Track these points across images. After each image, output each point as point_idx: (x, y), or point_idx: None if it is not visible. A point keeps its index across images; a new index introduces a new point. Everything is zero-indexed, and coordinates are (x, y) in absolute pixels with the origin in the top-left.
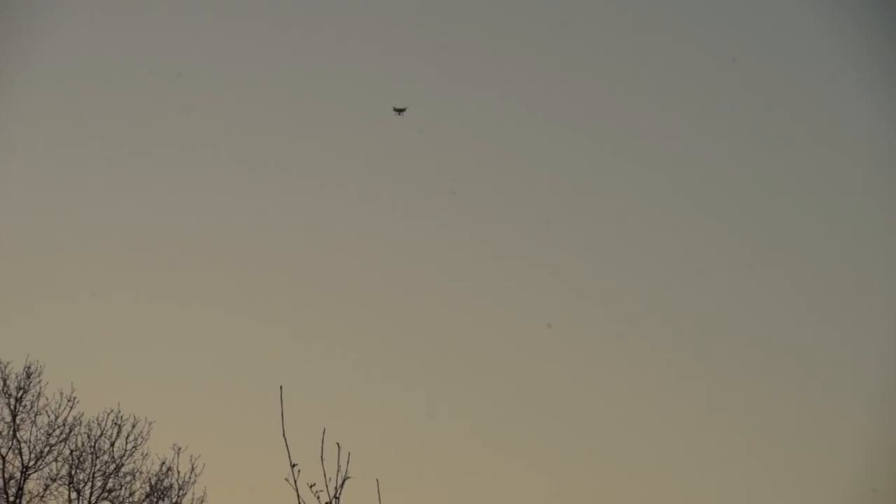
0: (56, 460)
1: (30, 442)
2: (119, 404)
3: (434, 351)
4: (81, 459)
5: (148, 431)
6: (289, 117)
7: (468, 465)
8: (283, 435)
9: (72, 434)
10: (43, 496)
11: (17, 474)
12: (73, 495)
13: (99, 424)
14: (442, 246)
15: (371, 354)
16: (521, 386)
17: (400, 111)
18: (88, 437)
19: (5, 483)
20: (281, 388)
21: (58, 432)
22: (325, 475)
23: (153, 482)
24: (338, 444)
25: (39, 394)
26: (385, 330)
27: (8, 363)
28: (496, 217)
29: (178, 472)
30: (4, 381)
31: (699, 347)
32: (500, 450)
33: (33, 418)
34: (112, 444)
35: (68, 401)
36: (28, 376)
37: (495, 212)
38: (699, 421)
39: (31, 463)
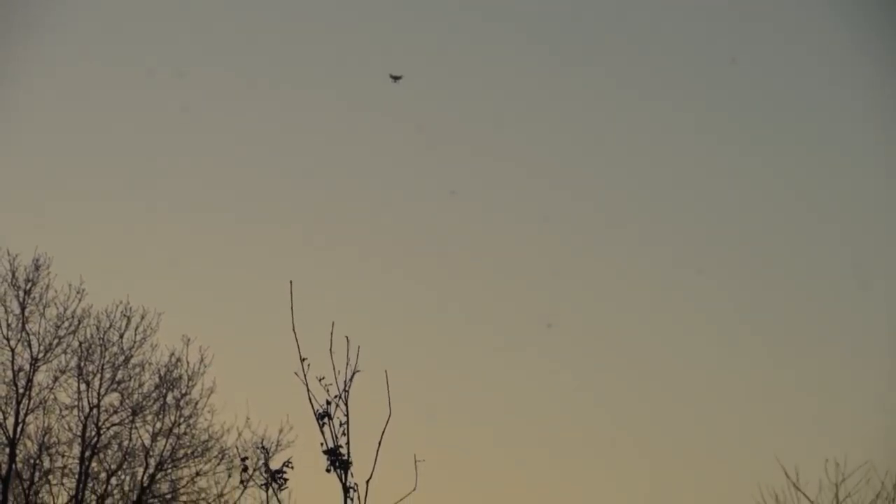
0: (65, 352)
1: (39, 334)
2: (128, 296)
3: (446, 248)
4: (90, 351)
5: (157, 323)
6: (289, 117)
7: (478, 358)
8: (293, 329)
9: (81, 326)
10: (52, 388)
11: (27, 366)
12: (83, 387)
13: (108, 316)
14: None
15: (382, 250)
16: (537, 287)
17: (396, 78)
18: (97, 329)
19: (14, 375)
20: (291, 282)
21: (67, 324)
22: (334, 369)
23: (162, 373)
24: (347, 337)
25: (48, 286)
26: (397, 226)
27: (16, 255)
28: None
29: (188, 363)
30: (13, 273)
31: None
32: (513, 346)
33: (42, 311)
34: (121, 336)
35: (77, 293)
36: (37, 268)
37: None
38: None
39: (41, 355)
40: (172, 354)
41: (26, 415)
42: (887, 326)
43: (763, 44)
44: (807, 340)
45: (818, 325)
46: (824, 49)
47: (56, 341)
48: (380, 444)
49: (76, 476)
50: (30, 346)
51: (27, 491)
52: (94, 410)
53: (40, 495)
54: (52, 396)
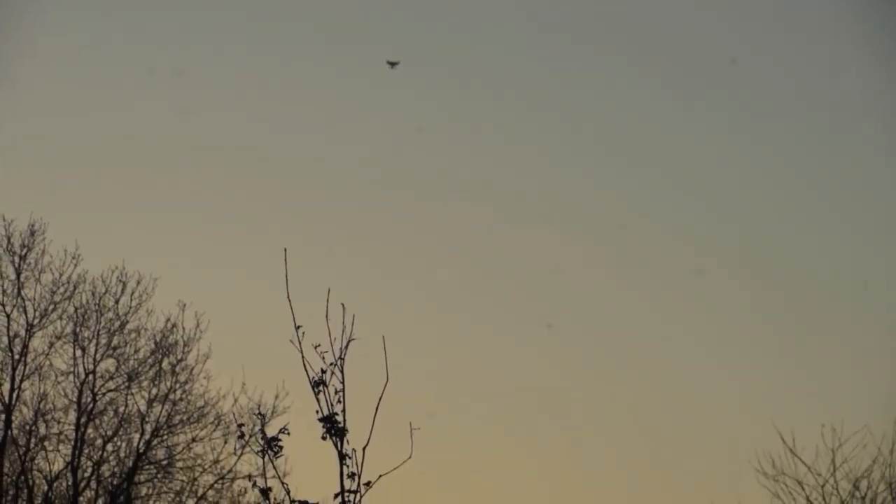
0: (60, 318)
1: (34, 300)
2: (123, 261)
3: (434, 208)
4: (86, 317)
5: (152, 288)
6: (292, 115)
7: (471, 321)
8: (288, 297)
9: (76, 292)
10: (48, 354)
11: (22, 332)
12: (78, 353)
13: (103, 282)
14: None
15: (377, 220)
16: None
17: (393, 64)
18: (93, 294)
19: (10, 341)
20: (285, 250)
21: (62, 290)
22: (330, 336)
23: (158, 339)
24: (342, 304)
25: (43, 252)
26: (389, 194)
27: (12, 221)
28: None
29: (183, 328)
30: (9, 239)
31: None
32: (512, 314)
33: (37, 276)
34: (116, 302)
35: (72, 258)
36: (32, 234)
37: None
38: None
39: (36, 321)
40: (168, 320)
41: (22, 381)
42: (886, 293)
43: (763, 43)
44: (804, 307)
45: (816, 292)
46: (824, 48)
47: (51, 307)
48: (377, 411)
49: (72, 442)
50: (25, 312)
51: (23, 457)
52: (90, 376)
53: (36, 462)
54: (47, 362)
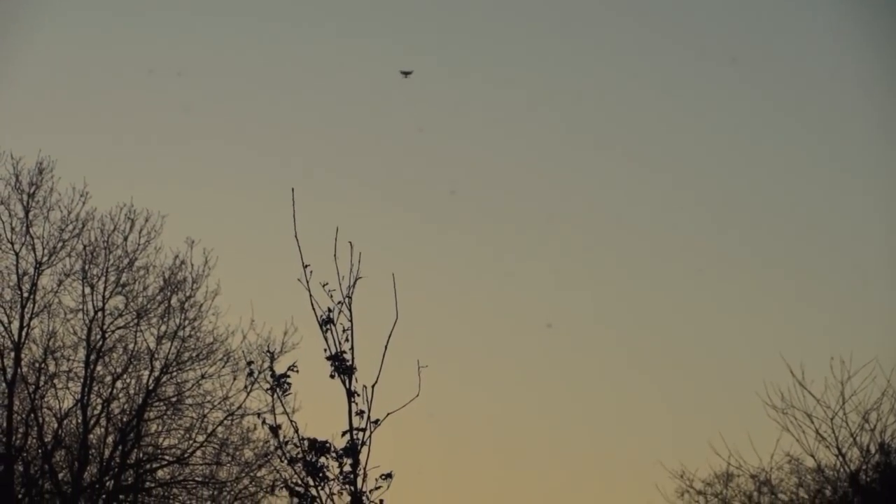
0: (69, 256)
1: (43, 238)
2: (132, 198)
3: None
4: (94, 254)
5: (161, 225)
6: (293, 114)
7: (480, 258)
8: (296, 236)
9: (85, 229)
10: (57, 292)
11: (31, 270)
12: (87, 290)
13: (112, 219)
14: None
15: (382, 158)
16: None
17: (406, 74)
18: (101, 232)
19: (19, 279)
20: (293, 190)
21: (71, 228)
22: (338, 274)
23: (167, 276)
24: (350, 243)
25: (52, 189)
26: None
27: (20, 159)
28: None
29: (192, 265)
30: (17, 177)
31: None
32: (512, 246)
33: (46, 214)
34: (125, 239)
35: (81, 196)
36: (40, 172)
37: None
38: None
39: (45, 259)
40: (177, 257)
41: (31, 319)
42: (890, 225)
43: (763, 43)
44: (813, 239)
45: (825, 224)
46: (824, 48)
47: (60, 245)
48: (385, 349)
49: (81, 380)
50: (34, 249)
51: (32, 395)
52: (99, 314)
53: (46, 399)
54: (56, 300)
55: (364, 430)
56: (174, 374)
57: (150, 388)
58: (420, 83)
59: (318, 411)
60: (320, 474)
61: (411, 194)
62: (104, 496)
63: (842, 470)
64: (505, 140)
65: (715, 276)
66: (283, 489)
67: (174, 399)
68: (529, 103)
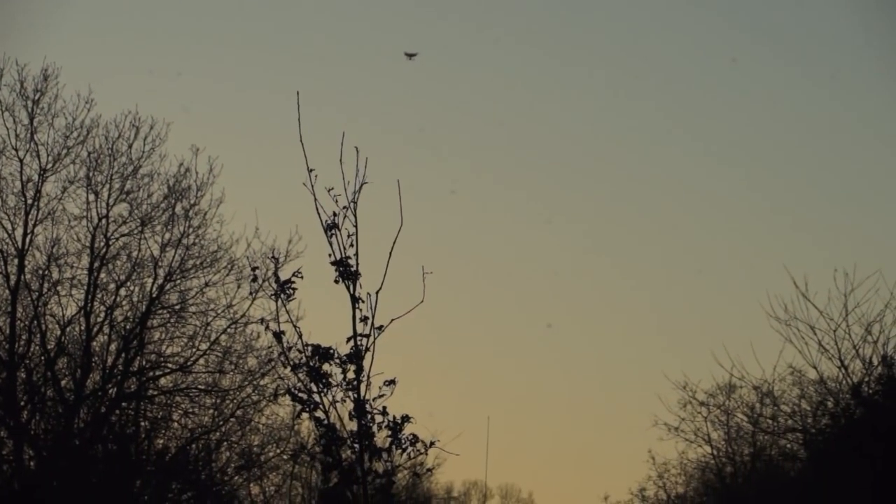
0: (74, 163)
1: (47, 144)
2: (136, 106)
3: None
4: (99, 162)
5: (166, 133)
6: (298, 21)
7: (482, 167)
8: (301, 140)
9: (89, 136)
10: (61, 199)
11: (35, 177)
12: (91, 197)
13: (116, 126)
14: None
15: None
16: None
17: (411, 56)
18: (106, 139)
19: (23, 186)
20: (298, 93)
21: (75, 135)
22: (343, 179)
23: (171, 184)
24: (356, 147)
25: (56, 96)
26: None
27: (25, 65)
28: None
29: (196, 173)
30: (22, 83)
31: None
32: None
33: (51, 121)
34: (129, 146)
35: (86, 103)
36: (45, 79)
37: None
38: None
39: (49, 165)
40: (181, 165)
41: (35, 225)
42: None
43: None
44: (817, 150)
45: (828, 135)
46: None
47: (65, 152)
48: (390, 255)
49: (85, 287)
50: (38, 156)
51: (36, 302)
52: (103, 221)
53: (49, 306)
54: (60, 207)
55: (368, 336)
56: (178, 281)
57: (154, 295)
58: None
59: (322, 321)
60: (323, 381)
61: (418, 106)
62: (107, 403)
63: (844, 382)
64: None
65: (718, 188)
66: (286, 396)
67: (178, 307)
68: (529, 103)
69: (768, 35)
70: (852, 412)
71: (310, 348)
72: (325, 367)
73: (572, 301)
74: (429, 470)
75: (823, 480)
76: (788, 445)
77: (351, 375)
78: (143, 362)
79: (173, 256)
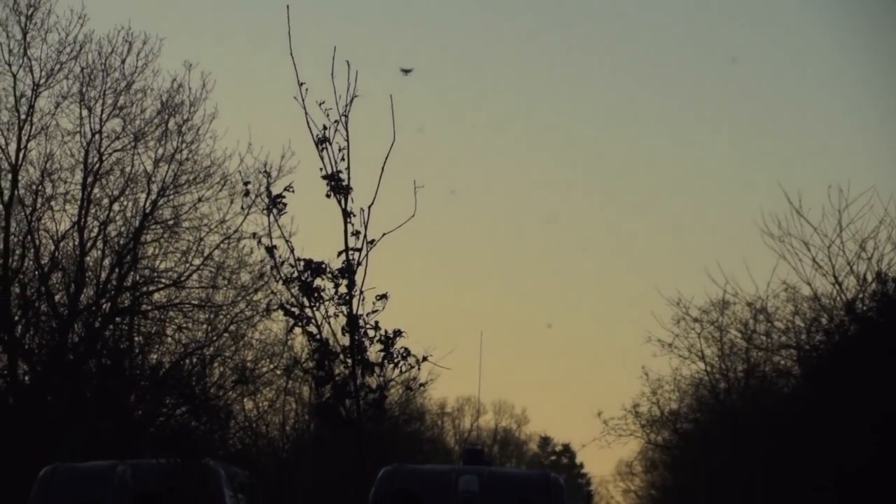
0: (67, 78)
1: (40, 60)
2: (129, 21)
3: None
4: (92, 77)
5: (159, 48)
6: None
7: (481, 82)
8: (291, 54)
9: (82, 52)
10: (54, 114)
11: (29, 92)
12: (84, 112)
13: (110, 42)
14: None
15: None
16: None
17: (406, 72)
18: (99, 54)
19: (16, 101)
20: (287, 6)
21: (68, 50)
22: (334, 93)
23: (164, 99)
24: (347, 62)
25: (50, 11)
26: None
27: None
28: None
29: (190, 88)
30: None
31: None
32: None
33: (44, 36)
34: (123, 62)
35: (79, 18)
36: None
37: None
38: None
39: (42, 81)
40: (174, 80)
41: (28, 141)
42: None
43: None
44: (811, 67)
45: (823, 53)
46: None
47: (58, 67)
48: (382, 169)
49: (78, 202)
50: (31, 71)
51: (29, 217)
52: (97, 136)
53: (42, 221)
54: (53, 122)
55: (359, 250)
56: (171, 197)
57: (147, 211)
58: None
59: (314, 237)
60: (315, 295)
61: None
62: (100, 318)
63: (838, 298)
64: None
65: (711, 104)
66: (279, 311)
67: (171, 222)
68: (530, 103)
69: None
70: (846, 329)
71: (302, 263)
72: (318, 281)
73: (566, 216)
74: (422, 385)
75: (817, 397)
76: (782, 362)
77: (343, 290)
78: (137, 277)
79: (166, 172)
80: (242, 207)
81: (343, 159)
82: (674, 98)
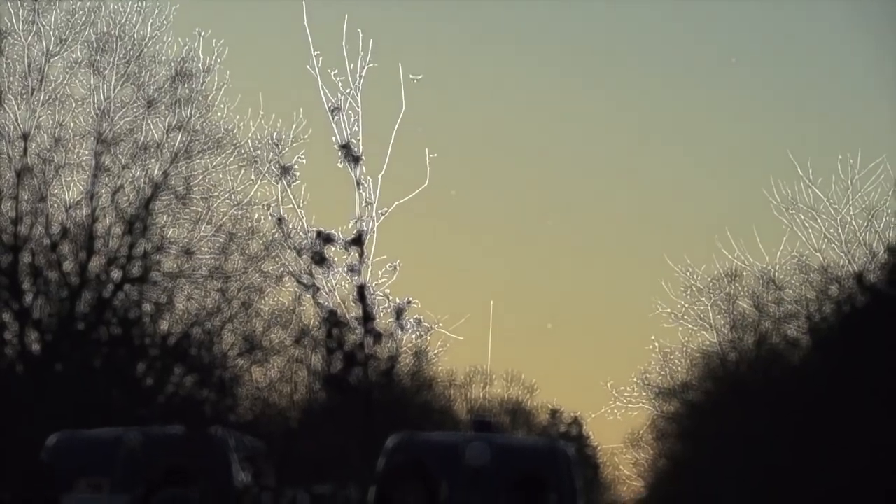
0: (79, 45)
1: (52, 28)
2: None
3: None
4: (104, 45)
5: (170, 17)
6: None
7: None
8: (305, 23)
9: (94, 20)
10: (65, 82)
11: (40, 60)
12: (96, 80)
13: (123, 9)
14: None
15: None
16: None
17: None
18: (113, 22)
19: (28, 69)
20: None
21: (80, 18)
22: (347, 62)
23: (176, 68)
24: (359, 31)
25: None
26: None
27: None
28: None
29: (201, 57)
30: None
31: None
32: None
33: (55, 4)
34: (134, 30)
35: None
36: None
37: None
38: None
39: (55, 49)
40: (186, 48)
41: (39, 109)
42: None
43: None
44: (824, 37)
45: (835, 23)
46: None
47: (70, 35)
48: (393, 138)
49: (89, 170)
50: (42, 39)
51: (40, 185)
52: (108, 104)
53: (53, 189)
54: (65, 90)
55: (370, 220)
56: (182, 165)
57: (158, 179)
58: None
59: (327, 206)
60: (325, 264)
61: None
62: (110, 287)
63: (848, 269)
64: None
65: (724, 73)
66: (290, 279)
67: (182, 191)
68: (530, 102)
69: None
70: (856, 299)
71: (313, 232)
72: (328, 251)
73: (576, 186)
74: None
75: (827, 367)
76: (792, 332)
77: (354, 260)
78: (147, 246)
79: (178, 140)
80: (253, 176)
81: (356, 128)
82: (681, 67)
